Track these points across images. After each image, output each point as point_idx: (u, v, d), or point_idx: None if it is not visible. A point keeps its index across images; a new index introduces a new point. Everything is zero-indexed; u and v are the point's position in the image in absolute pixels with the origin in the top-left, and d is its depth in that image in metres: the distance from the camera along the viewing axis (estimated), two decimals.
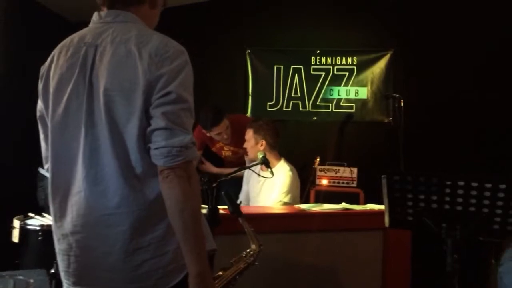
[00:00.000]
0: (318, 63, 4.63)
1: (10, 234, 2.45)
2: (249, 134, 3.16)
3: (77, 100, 1.30)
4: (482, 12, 4.26)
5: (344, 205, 2.88)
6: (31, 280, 0.55)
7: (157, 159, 1.24)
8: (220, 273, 1.50)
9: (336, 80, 4.60)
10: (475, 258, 2.67)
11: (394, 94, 3.87)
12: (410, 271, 2.71)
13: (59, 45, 1.39)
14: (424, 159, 4.01)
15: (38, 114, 1.44)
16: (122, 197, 1.26)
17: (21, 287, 0.55)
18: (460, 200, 1.77)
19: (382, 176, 1.86)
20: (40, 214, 2.59)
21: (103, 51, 1.29)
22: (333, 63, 4.61)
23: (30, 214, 2.57)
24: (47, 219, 2.50)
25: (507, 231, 1.77)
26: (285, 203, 3.02)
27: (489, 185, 1.71)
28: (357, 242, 2.65)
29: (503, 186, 1.70)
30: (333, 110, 4.60)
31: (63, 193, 1.33)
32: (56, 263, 2.29)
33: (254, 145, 3.12)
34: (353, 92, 4.58)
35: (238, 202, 1.73)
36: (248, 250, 1.61)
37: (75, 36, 1.37)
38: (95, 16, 1.39)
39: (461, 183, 1.75)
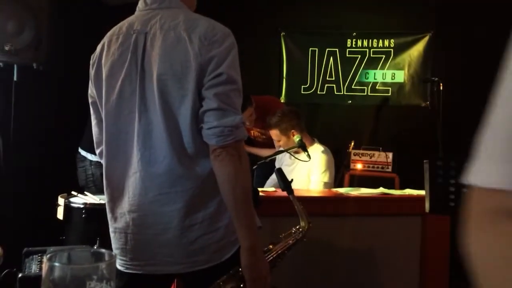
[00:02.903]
0: (354, 45, 4.56)
1: (55, 211, 2.54)
2: (276, 133, 3.13)
3: (130, 85, 1.35)
4: None
5: (382, 189, 2.85)
6: (114, 253, 0.58)
7: (209, 139, 1.29)
8: (270, 246, 1.54)
9: (372, 63, 4.53)
10: None
11: (433, 78, 3.78)
12: (449, 258, 2.68)
13: (108, 34, 1.44)
14: (463, 145, 3.92)
15: (90, 100, 1.50)
16: (176, 177, 1.32)
17: (102, 259, 0.57)
18: None
19: (425, 161, 1.84)
20: (82, 193, 2.67)
21: (153, 38, 1.33)
22: (370, 45, 4.53)
23: (74, 193, 2.65)
24: (90, 198, 2.58)
25: None
26: (325, 184, 3.03)
27: None
28: (395, 228, 2.63)
29: None
30: (369, 93, 4.54)
31: (119, 174, 1.39)
32: (100, 240, 2.39)
33: (288, 139, 3.11)
34: (389, 75, 4.50)
35: (290, 179, 1.76)
36: (297, 227, 1.64)
37: (124, 24, 1.42)
38: (140, 3, 1.43)
39: None
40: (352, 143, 4.10)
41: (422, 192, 1.92)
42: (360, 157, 4.07)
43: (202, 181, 1.33)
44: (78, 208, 2.46)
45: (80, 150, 3.28)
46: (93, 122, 1.50)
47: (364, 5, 4.47)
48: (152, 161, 1.33)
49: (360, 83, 4.56)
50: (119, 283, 1.41)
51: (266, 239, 1.72)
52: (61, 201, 2.53)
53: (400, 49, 4.46)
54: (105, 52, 1.40)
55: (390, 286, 2.62)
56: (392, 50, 4.48)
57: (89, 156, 3.21)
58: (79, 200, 2.54)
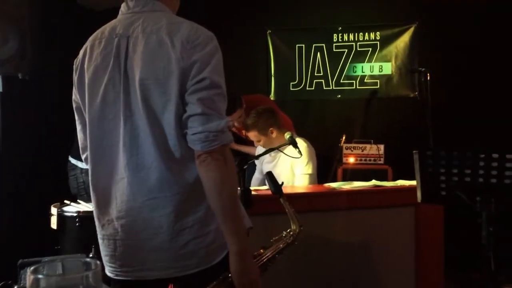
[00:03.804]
0: (340, 40, 4.57)
1: (49, 221, 2.53)
2: (255, 134, 3.12)
3: (113, 90, 1.33)
4: None
5: (374, 182, 2.87)
6: (98, 262, 0.58)
7: (194, 144, 1.28)
8: (261, 251, 1.52)
9: (360, 57, 4.54)
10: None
11: (420, 68, 3.80)
12: (443, 246, 2.71)
13: (91, 38, 1.43)
14: (452, 133, 3.95)
15: (74, 105, 1.48)
16: (164, 182, 1.31)
17: (89, 268, 0.57)
18: (494, 172, 1.75)
19: (414, 151, 1.85)
20: (75, 201, 2.66)
21: (136, 41, 1.32)
22: (356, 39, 4.55)
23: (66, 202, 2.64)
24: (83, 206, 2.57)
25: None
26: (310, 175, 3.03)
27: None
28: (389, 219, 2.65)
29: None
30: (357, 87, 4.56)
31: (106, 180, 1.38)
32: (95, 247, 2.37)
33: (267, 138, 3.10)
34: (377, 68, 4.52)
35: (280, 183, 1.75)
36: (288, 230, 1.62)
37: (106, 28, 1.40)
38: (123, 6, 1.42)
39: (495, 155, 1.74)
40: (344, 137, 4.11)
41: (414, 183, 1.94)
42: (352, 150, 4.08)
43: (190, 185, 1.32)
44: (72, 216, 2.45)
45: (70, 158, 3.27)
46: (78, 127, 1.49)
47: None
48: (140, 166, 1.31)
49: (348, 77, 4.57)
50: None
51: (260, 238, 1.72)
52: (54, 210, 2.51)
53: (386, 41, 4.48)
54: (88, 57, 1.39)
55: (387, 276, 2.64)
56: (378, 42, 4.50)
57: (80, 164, 3.20)
58: (72, 208, 2.53)
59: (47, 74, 3.45)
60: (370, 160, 4.04)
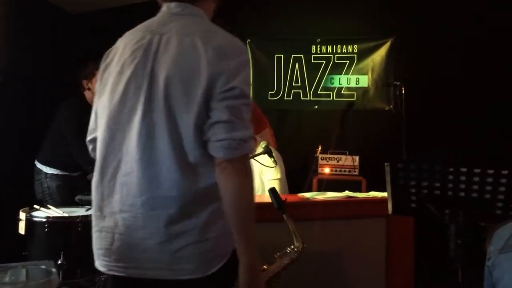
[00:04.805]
0: (318, 51, 4.64)
1: (16, 226, 2.47)
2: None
3: (135, 83, 1.33)
4: None
5: (347, 193, 2.89)
6: (53, 269, 0.57)
7: (217, 151, 1.26)
8: (265, 266, 1.51)
9: (337, 69, 4.61)
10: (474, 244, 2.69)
11: (395, 82, 3.87)
12: (413, 258, 2.74)
13: (126, 33, 1.45)
14: (425, 146, 4.03)
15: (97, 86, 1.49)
16: (173, 182, 1.29)
17: (42, 277, 0.56)
18: (462, 186, 1.78)
19: (386, 164, 1.88)
20: (45, 207, 2.61)
21: (168, 40, 1.33)
22: (334, 51, 4.61)
23: (36, 206, 2.59)
24: (52, 211, 2.53)
25: (509, 216, 1.79)
26: (280, 180, 3.03)
27: (491, 171, 1.73)
28: (360, 230, 2.66)
29: (505, 172, 1.72)
30: (334, 98, 4.62)
31: (113, 172, 1.36)
32: (63, 254, 2.33)
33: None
34: (354, 80, 4.58)
35: (284, 199, 1.75)
36: (292, 247, 1.63)
37: (142, 25, 1.43)
38: (164, 6, 1.44)
39: (463, 169, 1.77)
40: (320, 148, 4.15)
41: (386, 195, 1.96)
42: (328, 161, 4.12)
43: (198, 190, 1.30)
44: (41, 222, 2.40)
45: (36, 162, 3.20)
46: (94, 107, 1.48)
47: (328, 12, 4.56)
48: (152, 162, 1.30)
49: (326, 88, 4.63)
50: None
51: None
52: (22, 215, 2.46)
53: (363, 54, 4.56)
54: (121, 49, 1.40)
55: (358, 287, 2.65)
56: (355, 55, 4.57)
57: (45, 169, 3.14)
58: (41, 214, 2.48)
59: (22, 76, 3.39)
60: (345, 171, 4.08)
